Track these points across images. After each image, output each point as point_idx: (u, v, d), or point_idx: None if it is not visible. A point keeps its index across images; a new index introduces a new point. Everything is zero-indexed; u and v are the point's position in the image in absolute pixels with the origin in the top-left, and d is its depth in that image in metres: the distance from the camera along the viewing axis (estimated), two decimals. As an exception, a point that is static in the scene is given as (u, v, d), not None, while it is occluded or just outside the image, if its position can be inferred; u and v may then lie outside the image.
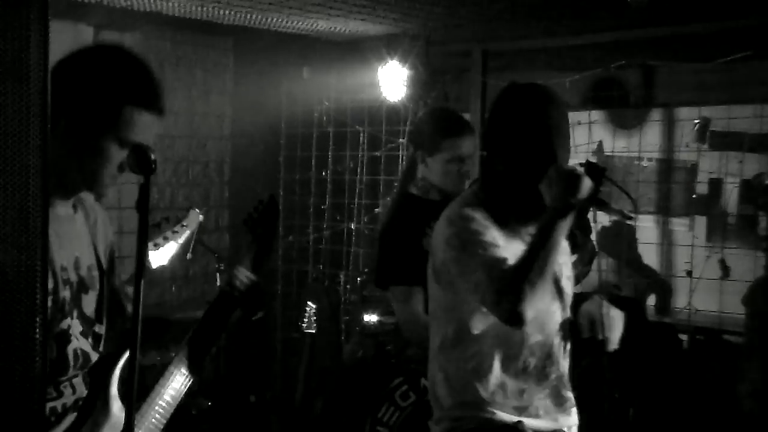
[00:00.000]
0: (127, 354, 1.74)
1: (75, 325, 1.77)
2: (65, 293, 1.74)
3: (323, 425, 4.43)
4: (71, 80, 1.67)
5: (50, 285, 1.66)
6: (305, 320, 4.52)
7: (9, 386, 1.04)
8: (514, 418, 2.17)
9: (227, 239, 5.35)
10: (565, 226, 1.99)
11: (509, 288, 1.93)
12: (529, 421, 2.18)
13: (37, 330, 1.06)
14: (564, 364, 2.27)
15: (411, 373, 3.79)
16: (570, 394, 2.28)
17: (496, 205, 2.16)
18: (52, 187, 1.07)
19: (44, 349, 1.06)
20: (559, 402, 2.24)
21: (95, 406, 1.77)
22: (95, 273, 1.84)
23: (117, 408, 1.77)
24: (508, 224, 2.15)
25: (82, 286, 1.79)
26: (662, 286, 5.08)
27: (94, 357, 1.83)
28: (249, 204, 2.13)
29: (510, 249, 2.07)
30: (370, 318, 4.65)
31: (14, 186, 1.04)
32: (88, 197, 1.87)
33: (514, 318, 1.94)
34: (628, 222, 2.07)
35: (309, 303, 4.55)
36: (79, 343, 1.78)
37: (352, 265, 5.39)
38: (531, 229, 2.10)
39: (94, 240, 1.87)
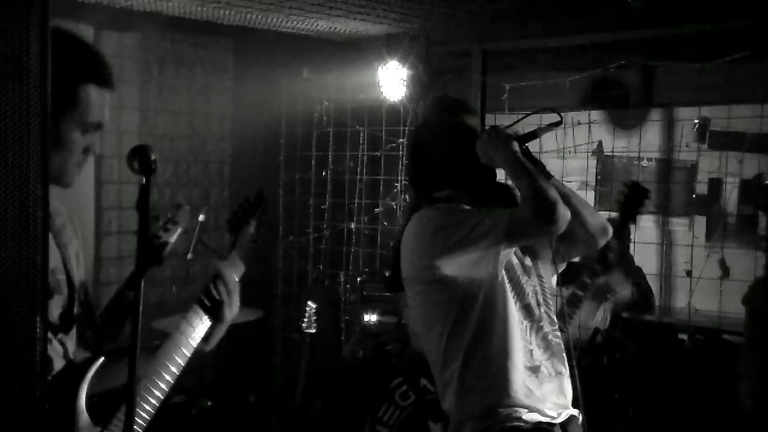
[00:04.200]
0: (97, 365, 1.65)
1: None
2: None
3: (323, 425, 4.43)
4: None
5: None
6: (305, 320, 4.51)
7: (10, 383, 1.04)
8: (543, 418, 2.20)
9: (227, 239, 5.33)
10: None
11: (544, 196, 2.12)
12: (546, 419, 2.22)
13: (38, 327, 1.06)
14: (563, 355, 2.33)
15: (411, 373, 3.79)
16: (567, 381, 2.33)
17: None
18: None
19: (44, 346, 1.06)
20: (563, 393, 2.29)
21: (58, 419, 1.60)
22: (61, 276, 1.72)
23: (84, 422, 1.62)
24: None
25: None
26: (648, 290, 5.06)
27: (59, 364, 1.68)
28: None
29: None
30: (370, 318, 4.65)
31: (14, 185, 1.04)
32: (52, 201, 1.78)
33: (556, 216, 2.10)
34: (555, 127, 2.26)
35: (309, 303, 4.54)
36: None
37: (352, 265, 5.39)
38: None
39: (59, 242, 1.75)
